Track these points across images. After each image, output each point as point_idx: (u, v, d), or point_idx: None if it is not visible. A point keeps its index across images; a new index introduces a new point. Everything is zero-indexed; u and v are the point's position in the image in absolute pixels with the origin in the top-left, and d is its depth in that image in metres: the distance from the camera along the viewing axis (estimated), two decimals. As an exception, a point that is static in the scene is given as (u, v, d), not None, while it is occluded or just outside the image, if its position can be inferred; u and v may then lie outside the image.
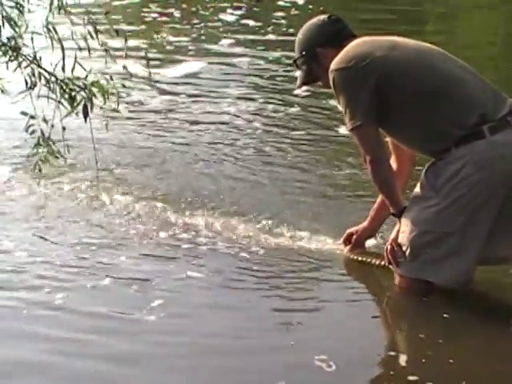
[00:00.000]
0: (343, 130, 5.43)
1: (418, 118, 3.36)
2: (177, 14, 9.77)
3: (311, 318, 3.34)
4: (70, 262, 3.76)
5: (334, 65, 3.40)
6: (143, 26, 9.06)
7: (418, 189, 3.42)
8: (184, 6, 10.18)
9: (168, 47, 8.08)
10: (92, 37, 2.73)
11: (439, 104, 3.31)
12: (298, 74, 3.69)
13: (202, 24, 9.13)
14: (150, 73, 3.38)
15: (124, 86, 2.81)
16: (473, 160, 3.24)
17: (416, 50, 3.43)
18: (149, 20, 9.41)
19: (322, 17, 3.58)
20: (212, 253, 3.89)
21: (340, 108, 3.47)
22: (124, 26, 8.80)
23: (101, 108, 2.79)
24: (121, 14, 9.82)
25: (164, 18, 9.46)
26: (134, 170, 4.97)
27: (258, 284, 3.61)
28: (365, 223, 3.83)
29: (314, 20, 3.59)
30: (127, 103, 5.81)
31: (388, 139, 3.63)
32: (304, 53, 3.57)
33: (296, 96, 6.27)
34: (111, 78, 2.75)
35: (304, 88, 4.33)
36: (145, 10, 9.99)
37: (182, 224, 4.17)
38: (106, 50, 2.91)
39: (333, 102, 5.84)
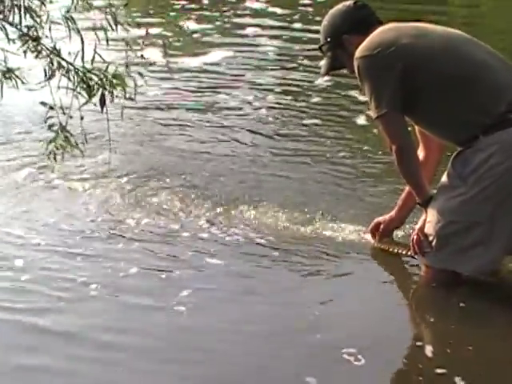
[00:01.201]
0: (361, 120, 5.48)
1: (445, 105, 3.33)
2: (206, 0, 9.77)
3: (336, 311, 3.34)
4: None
5: (358, 52, 3.39)
6: (173, 13, 9.05)
7: (444, 178, 3.40)
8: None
9: (193, 36, 8.08)
10: (112, 28, 2.73)
11: (467, 91, 3.29)
12: (322, 62, 3.68)
13: (230, 12, 9.12)
14: (167, 62, 3.37)
15: (141, 75, 2.81)
16: (502, 149, 3.22)
17: (443, 37, 3.40)
18: (178, 7, 9.40)
19: (348, 3, 3.57)
20: (236, 244, 3.91)
21: (365, 96, 3.45)
22: (151, 13, 8.89)
23: (116, 96, 2.80)
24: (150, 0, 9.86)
25: (193, 5, 9.46)
26: (149, 161, 4.99)
27: (282, 277, 3.62)
28: (392, 213, 3.81)
29: (340, 6, 3.58)
30: (144, 93, 5.82)
31: (417, 129, 3.62)
32: (329, 39, 3.57)
33: (317, 86, 6.26)
34: (127, 66, 2.76)
35: (326, 78, 4.28)
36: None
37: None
38: (127, 43, 2.92)
39: (353, 93, 5.90)
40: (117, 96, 2.75)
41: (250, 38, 7.93)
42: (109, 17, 2.74)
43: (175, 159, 5.00)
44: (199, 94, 6.26)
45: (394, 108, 3.34)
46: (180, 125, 5.65)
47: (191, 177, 4.69)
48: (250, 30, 8.20)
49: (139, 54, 2.89)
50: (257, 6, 9.42)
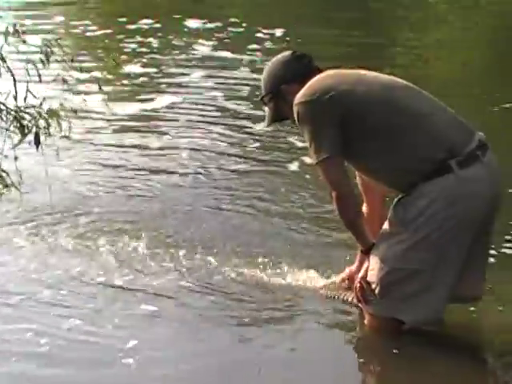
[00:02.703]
0: (294, 167, 5.63)
1: (383, 152, 3.40)
2: (155, 43, 9.86)
3: (279, 364, 3.41)
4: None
5: (297, 98, 3.45)
6: (124, 57, 9.10)
7: (386, 225, 3.44)
8: (160, 34, 10.28)
9: (139, 79, 8.14)
10: (44, 65, 2.76)
11: (405, 139, 3.36)
12: (266, 113, 3.73)
13: (177, 55, 9.21)
14: (107, 105, 3.40)
15: (75, 112, 2.84)
16: (442, 195, 3.29)
17: (382, 84, 3.48)
18: (128, 51, 9.47)
19: (287, 53, 3.66)
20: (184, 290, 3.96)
21: (305, 143, 3.49)
22: (101, 57, 8.96)
23: (49, 134, 2.82)
24: (101, 44, 9.89)
25: (143, 49, 9.54)
26: (87, 201, 5.04)
27: (228, 330, 3.68)
28: (358, 258, 3.76)
29: (279, 57, 3.66)
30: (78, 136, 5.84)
31: (358, 181, 3.70)
32: (270, 90, 3.63)
33: (257, 131, 6.35)
34: (61, 105, 2.78)
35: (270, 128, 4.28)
36: (127, 39, 10.06)
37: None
38: (64, 81, 2.95)
39: (291, 139, 6.03)
40: (48, 134, 2.76)
41: (196, 83, 7.99)
42: (42, 54, 2.76)
43: (112, 205, 5.04)
44: (124, 135, 6.35)
45: (335, 153, 3.39)
46: (102, 163, 5.74)
47: (130, 223, 4.73)
48: (196, 75, 8.27)
49: (78, 95, 2.91)
50: (204, 49, 9.50)
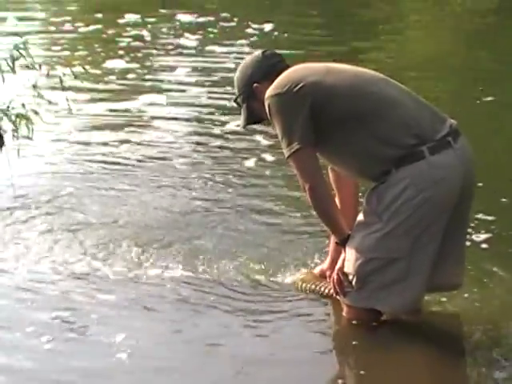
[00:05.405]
0: (250, 163, 5.76)
1: (353, 141, 3.47)
2: (146, 38, 9.98)
3: (260, 357, 3.50)
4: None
5: (268, 92, 3.54)
6: (120, 52, 9.21)
7: (360, 215, 3.52)
8: (150, 26, 10.38)
9: (125, 75, 8.25)
10: (11, 68, 2.84)
11: (374, 126, 3.44)
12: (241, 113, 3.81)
13: (165, 50, 9.32)
14: (69, 106, 3.49)
15: (36, 113, 2.93)
16: (414, 182, 3.37)
17: (350, 75, 3.57)
18: (123, 45, 9.59)
19: (257, 52, 3.77)
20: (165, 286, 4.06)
21: (278, 136, 3.55)
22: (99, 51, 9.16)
23: (13, 136, 2.90)
24: (97, 40, 10.01)
25: (138, 43, 9.67)
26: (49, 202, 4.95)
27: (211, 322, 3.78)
28: (329, 257, 3.90)
29: (250, 57, 3.77)
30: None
31: (330, 176, 3.79)
32: (242, 90, 3.74)
33: (226, 129, 6.47)
34: (23, 106, 2.87)
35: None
36: (124, 33, 10.19)
37: None
38: (34, 87, 3.04)
39: (258, 137, 6.14)
40: (17, 137, 2.84)
41: (181, 79, 8.09)
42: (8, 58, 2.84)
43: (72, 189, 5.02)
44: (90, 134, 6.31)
45: (307, 144, 3.47)
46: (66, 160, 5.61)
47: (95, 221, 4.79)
48: (181, 71, 8.35)
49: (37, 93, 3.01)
50: (192, 43, 9.61)
